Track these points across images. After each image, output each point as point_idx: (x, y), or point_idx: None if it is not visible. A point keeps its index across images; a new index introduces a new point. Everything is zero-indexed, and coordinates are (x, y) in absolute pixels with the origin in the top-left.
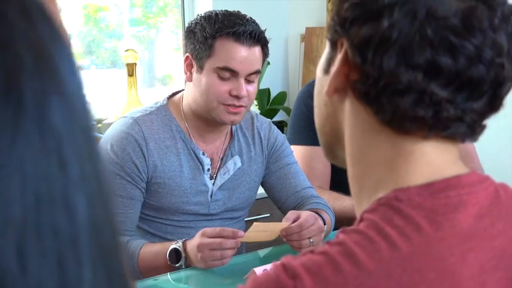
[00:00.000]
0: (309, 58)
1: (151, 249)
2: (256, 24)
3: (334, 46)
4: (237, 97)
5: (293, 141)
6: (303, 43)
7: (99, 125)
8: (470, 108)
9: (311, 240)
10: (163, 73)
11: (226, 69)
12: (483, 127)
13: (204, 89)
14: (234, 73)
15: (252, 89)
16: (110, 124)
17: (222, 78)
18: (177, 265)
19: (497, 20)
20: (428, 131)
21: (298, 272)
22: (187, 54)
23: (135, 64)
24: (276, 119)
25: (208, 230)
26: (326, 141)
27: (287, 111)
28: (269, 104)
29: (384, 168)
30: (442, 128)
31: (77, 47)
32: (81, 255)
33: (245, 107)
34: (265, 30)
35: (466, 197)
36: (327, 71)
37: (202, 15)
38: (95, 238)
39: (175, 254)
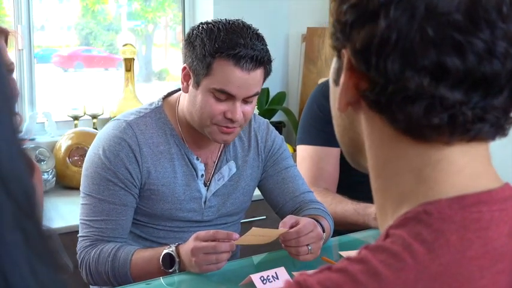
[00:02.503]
0: (310, 58)
1: (144, 255)
2: (261, 42)
3: (339, 55)
4: (231, 120)
5: (303, 141)
6: (304, 43)
7: (95, 120)
8: (491, 105)
9: (309, 248)
10: (160, 68)
11: (222, 91)
12: (511, 119)
13: (199, 106)
14: (230, 96)
15: (249, 108)
16: (106, 120)
17: (217, 99)
18: (170, 270)
19: (505, 8)
20: (449, 137)
21: (310, 285)
22: (185, 65)
23: (133, 59)
24: (274, 119)
25: (202, 233)
26: (347, 152)
27: (286, 111)
28: (268, 104)
29: (410, 179)
30: (463, 132)
31: (74, 39)
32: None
33: (239, 127)
34: (266, 49)
35: (498, 213)
36: (336, 82)
37: (204, 27)
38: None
39: (169, 259)
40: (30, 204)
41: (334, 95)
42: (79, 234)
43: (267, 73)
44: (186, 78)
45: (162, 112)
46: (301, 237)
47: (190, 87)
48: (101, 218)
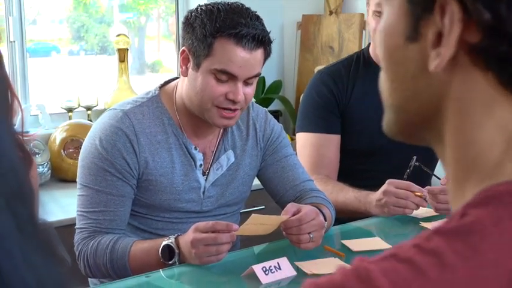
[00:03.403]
0: (306, 46)
1: (143, 246)
2: (261, 23)
3: (428, 7)
4: (233, 101)
5: (302, 128)
6: (299, 31)
7: (89, 112)
8: None
9: (311, 236)
10: (153, 60)
11: (224, 72)
12: None
13: (199, 89)
14: (232, 76)
15: (250, 90)
16: (100, 111)
17: (219, 80)
18: (170, 262)
19: None
20: None
21: (374, 277)
22: (183, 47)
23: (127, 50)
24: (270, 108)
25: (201, 224)
26: (407, 122)
27: (282, 100)
28: (264, 93)
29: (503, 149)
30: None
31: (65, 32)
32: None
33: (240, 109)
34: (269, 32)
35: None
36: (414, 38)
37: (203, 8)
38: None
39: (168, 251)
40: (23, 191)
41: (405, 53)
42: (76, 226)
43: (267, 54)
44: (185, 61)
45: (159, 101)
46: (303, 225)
47: (190, 70)
48: (98, 209)
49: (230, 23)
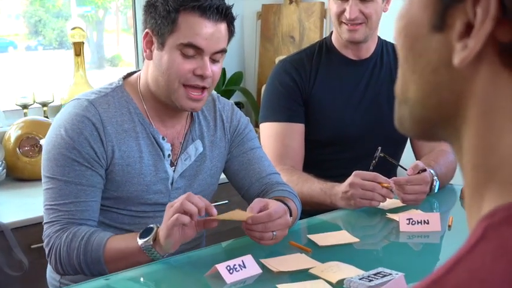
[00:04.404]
0: (266, 36)
1: (121, 236)
2: (223, 1)
3: None
4: (202, 77)
5: (266, 118)
6: (259, 21)
7: (45, 108)
8: None
9: (274, 233)
10: (112, 54)
11: (190, 45)
12: None
13: (166, 67)
14: (198, 50)
15: (217, 69)
16: (57, 107)
17: (185, 56)
18: (146, 239)
19: None
20: None
21: None
22: (146, 30)
23: (83, 43)
24: (232, 100)
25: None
26: (423, 118)
27: (243, 91)
28: (225, 85)
29: None
30: None
31: (22, 28)
32: None
33: (207, 89)
34: (232, 5)
35: None
36: (440, 28)
37: None
38: None
39: (146, 231)
40: None
41: (428, 43)
42: (45, 221)
43: (230, 33)
44: (148, 44)
45: (124, 91)
46: (269, 223)
47: (155, 51)
48: (69, 200)
49: None
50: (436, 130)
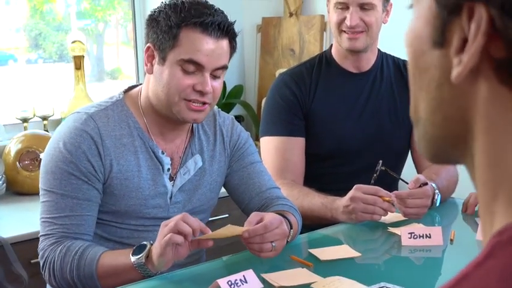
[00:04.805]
0: (266, 49)
1: (114, 252)
2: (225, 16)
3: (455, 11)
4: (201, 93)
5: (266, 132)
6: (259, 34)
7: (45, 122)
8: None
9: (273, 244)
10: (112, 67)
11: (191, 61)
12: None
13: (166, 82)
14: (199, 66)
15: (218, 85)
16: (57, 121)
17: (186, 72)
18: (138, 256)
19: None
20: None
21: None
22: (148, 44)
23: (83, 57)
24: (232, 113)
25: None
26: (432, 136)
27: (244, 105)
28: (225, 98)
29: None
30: None
31: (23, 41)
32: None
33: (209, 104)
34: (234, 21)
35: None
36: (440, 43)
37: (167, 2)
38: None
39: (139, 249)
40: None
41: (431, 59)
42: (41, 234)
43: (232, 48)
44: (149, 59)
45: (124, 105)
46: (267, 234)
47: (156, 66)
48: (64, 214)
49: (195, 13)
50: (449, 149)
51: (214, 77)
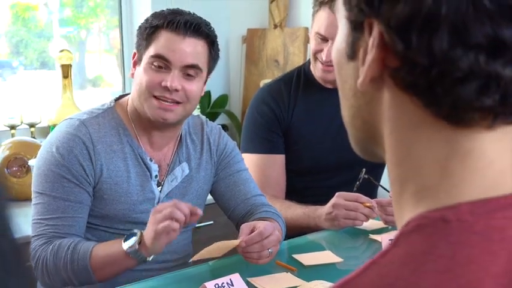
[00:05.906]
0: (251, 60)
1: (106, 243)
2: (200, 18)
3: (359, 27)
4: (168, 89)
5: (247, 150)
6: (245, 44)
7: (33, 129)
8: None
9: (270, 251)
10: (94, 75)
11: (158, 56)
12: None
13: (139, 81)
14: (167, 63)
15: (192, 86)
16: (45, 128)
17: (155, 69)
18: (131, 244)
19: None
20: (493, 121)
21: None
22: (134, 50)
23: (70, 66)
24: (217, 122)
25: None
26: (357, 137)
27: (228, 114)
28: (210, 107)
29: (435, 171)
30: (510, 114)
31: (4, 47)
32: None
33: (180, 103)
34: (209, 25)
35: None
36: (351, 56)
37: (152, 13)
38: None
39: (130, 237)
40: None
41: (346, 71)
42: (32, 235)
43: (211, 53)
44: (134, 64)
45: (115, 112)
46: (264, 241)
47: (136, 69)
48: (55, 215)
49: (170, 17)
50: (373, 148)
51: (187, 76)
